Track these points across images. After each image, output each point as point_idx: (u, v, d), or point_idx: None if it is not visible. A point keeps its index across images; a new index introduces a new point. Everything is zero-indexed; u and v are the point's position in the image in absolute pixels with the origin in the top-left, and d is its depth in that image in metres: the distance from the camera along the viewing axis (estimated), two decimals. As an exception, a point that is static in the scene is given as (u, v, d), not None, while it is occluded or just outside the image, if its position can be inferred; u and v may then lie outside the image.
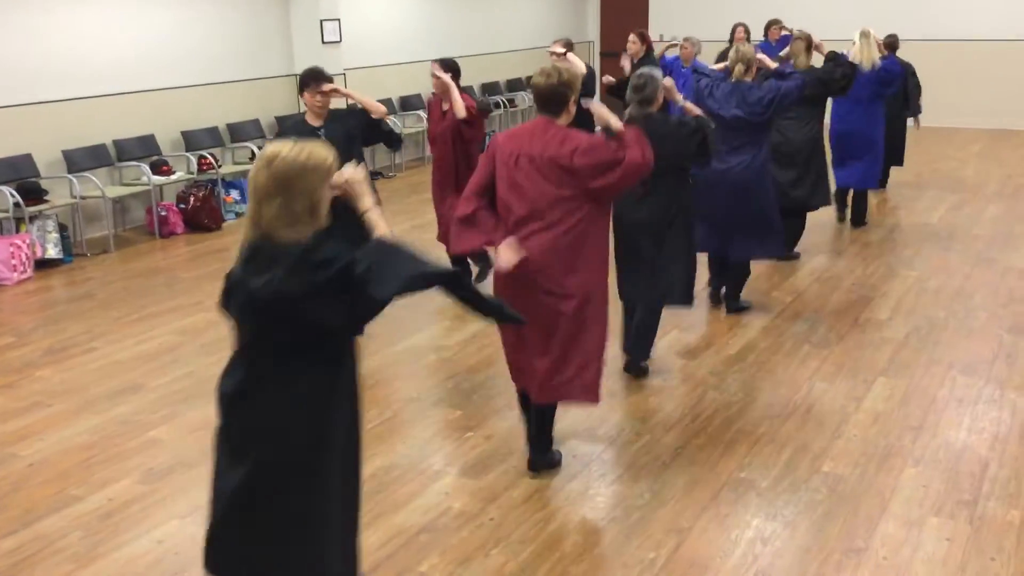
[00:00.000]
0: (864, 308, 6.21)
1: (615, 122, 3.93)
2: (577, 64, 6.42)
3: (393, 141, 5.98)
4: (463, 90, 6.28)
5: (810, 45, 6.98)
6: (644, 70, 4.93)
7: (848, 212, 8.30)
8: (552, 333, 3.84)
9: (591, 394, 3.98)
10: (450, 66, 6.26)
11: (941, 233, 8.04)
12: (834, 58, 6.88)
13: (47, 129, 8.08)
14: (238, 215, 9.25)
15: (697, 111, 5.05)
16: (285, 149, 2.46)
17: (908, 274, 6.92)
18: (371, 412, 4.84)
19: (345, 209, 2.61)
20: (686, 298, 5.16)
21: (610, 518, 3.82)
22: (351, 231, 2.56)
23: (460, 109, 6.11)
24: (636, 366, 5.17)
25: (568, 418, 4.67)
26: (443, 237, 6.48)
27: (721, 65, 6.24)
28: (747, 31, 9.63)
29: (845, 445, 4.37)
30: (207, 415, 4.85)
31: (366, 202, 2.60)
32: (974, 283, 6.67)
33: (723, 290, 6.20)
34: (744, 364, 5.34)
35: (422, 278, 2.43)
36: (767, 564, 3.49)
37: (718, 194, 5.67)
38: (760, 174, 5.79)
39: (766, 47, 9.59)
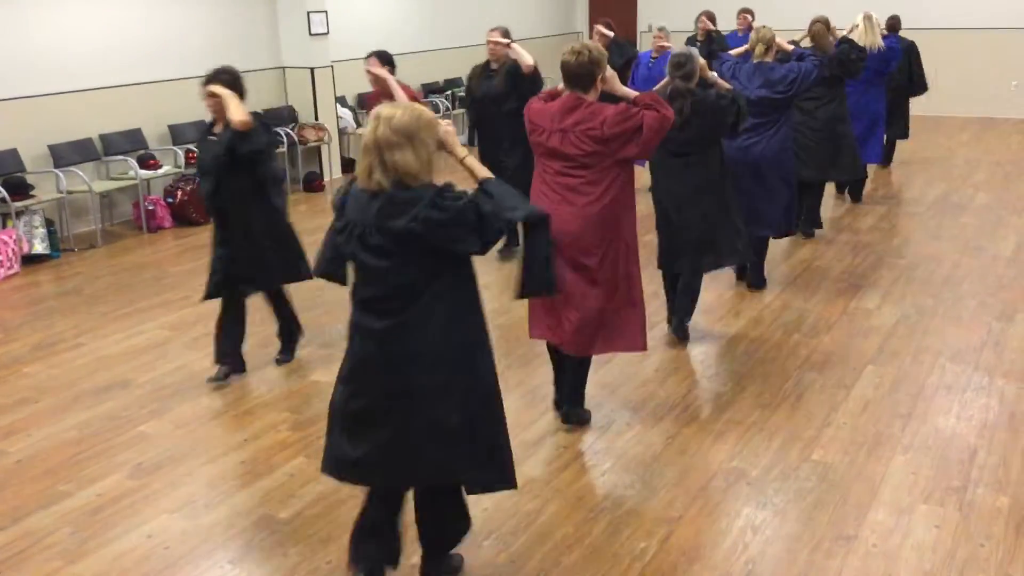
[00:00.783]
0: (853, 297, 6.22)
1: (628, 92, 4.15)
2: (523, 55, 6.52)
3: (258, 166, 5.04)
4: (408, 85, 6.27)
5: (829, 29, 7.22)
6: (683, 49, 5.25)
7: (847, 189, 8.70)
8: (586, 290, 4.12)
9: (635, 342, 4.32)
10: (386, 59, 6.16)
11: (930, 221, 8.06)
12: (848, 42, 7.11)
13: (32, 124, 8.02)
14: (226, 209, 9.20)
15: (727, 85, 5.26)
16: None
17: (897, 262, 6.94)
18: (361, 405, 4.83)
19: None
20: (744, 255, 5.60)
21: (601, 508, 3.82)
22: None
23: (403, 101, 6.03)
24: (681, 327, 5.47)
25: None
26: None
27: (742, 49, 6.44)
28: (712, 19, 9.69)
29: (835, 433, 4.38)
30: (196, 410, 4.85)
31: (461, 150, 2.99)
32: (963, 271, 6.69)
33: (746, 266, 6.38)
34: (734, 354, 5.35)
35: (533, 213, 2.95)
36: (757, 552, 3.50)
37: (739, 170, 5.84)
38: (781, 151, 6.02)
39: (732, 37, 9.70)
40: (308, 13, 10.13)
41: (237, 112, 4.80)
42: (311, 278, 4.72)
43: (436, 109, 11.84)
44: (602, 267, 4.13)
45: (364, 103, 6.56)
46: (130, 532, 3.76)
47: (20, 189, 7.68)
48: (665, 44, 8.01)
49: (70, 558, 3.60)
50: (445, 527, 3.28)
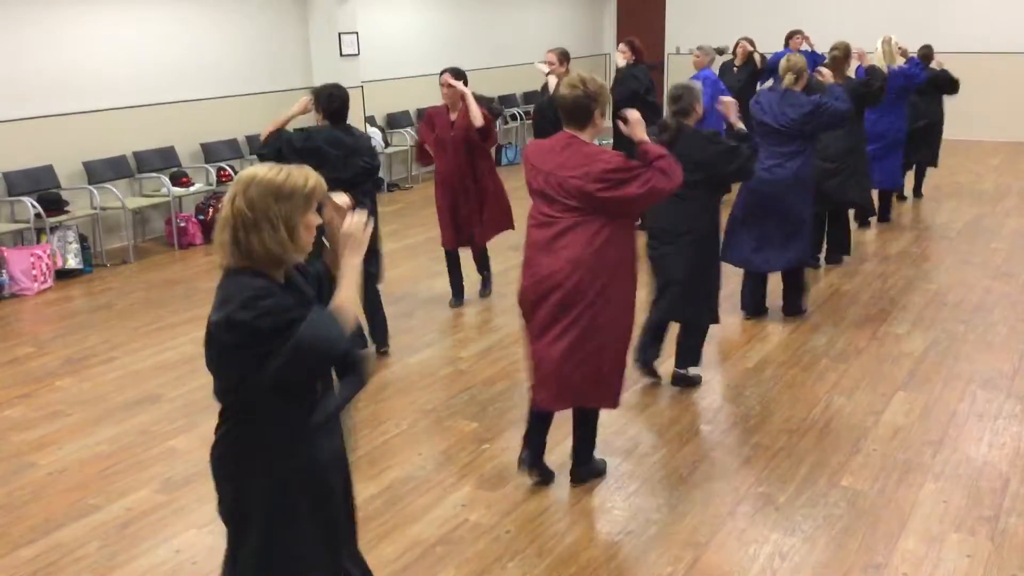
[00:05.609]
0: (883, 322, 6.17)
1: (644, 139, 3.85)
2: (473, 110, 6.15)
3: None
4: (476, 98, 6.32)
5: (848, 56, 7.17)
6: (680, 82, 4.97)
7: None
8: (574, 337, 3.76)
9: (610, 399, 3.96)
10: (460, 75, 6.31)
11: (960, 246, 7.98)
12: (873, 72, 7.13)
13: (68, 141, 8.16)
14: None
15: (740, 125, 4.98)
16: (264, 172, 2.32)
17: (927, 287, 6.88)
18: (386, 424, 4.85)
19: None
20: (711, 317, 5.10)
21: (627, 532, 3.81)
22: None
23: (478, 117, 6.14)
24: (678, 377, 5.16)
25: (585, 431, 4.67)
26: (449, 242, 6.55)
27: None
28: (752, 43, 9.70)
29: (864, 460, 4.34)
30: (225, 425, 4.89)
31: (351, 259, 2.41)
32: (994, 297, 6.62)
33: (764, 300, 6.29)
34: (762, 377, 5.32)
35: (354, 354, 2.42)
36: (785, 579, 3.47)
37: (760, 199, 5.82)
38: (801, 182, 5.88)
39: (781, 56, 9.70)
40: (339, 34, 10.26)
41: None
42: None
43: (515, 118, 11.89)
44: (587, 315, 3.73)
45: (426, 117, 6.56)
46: (159, 546, 3.78)
47: (55, 205, 7.81)
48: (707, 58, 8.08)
49: (99, 572, 3.63)
50: None
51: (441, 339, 6.07)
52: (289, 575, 2.51)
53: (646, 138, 3.88)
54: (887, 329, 6.04)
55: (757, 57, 9.65)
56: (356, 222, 2.41)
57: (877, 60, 7.52)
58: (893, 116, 8.17)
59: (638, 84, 8.14)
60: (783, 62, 6.07)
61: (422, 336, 6.12)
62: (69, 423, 4.97)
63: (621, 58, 8.43)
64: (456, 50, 12.44)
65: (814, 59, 9.87)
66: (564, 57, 7.18)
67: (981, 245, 7.99)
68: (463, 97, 6.19)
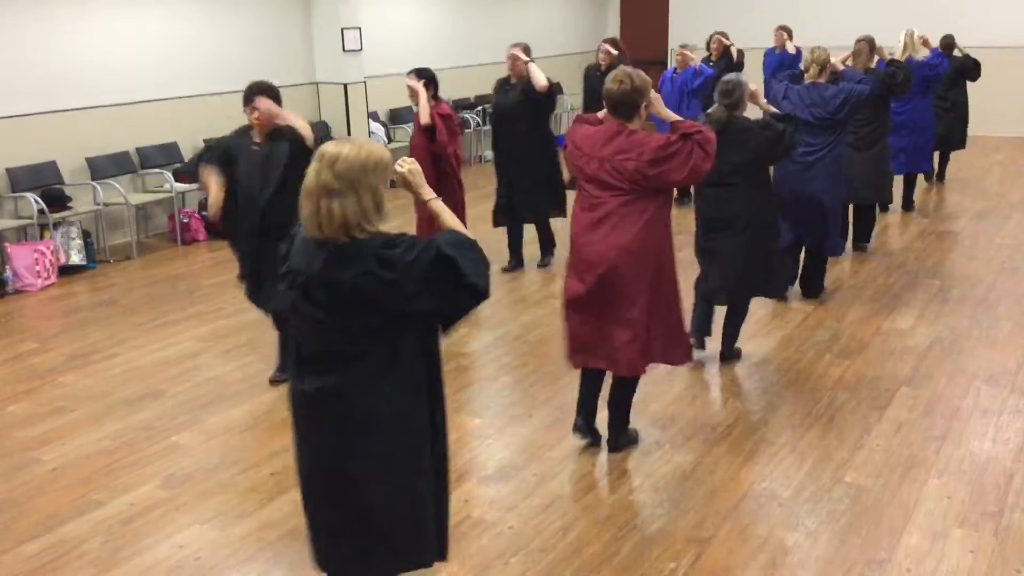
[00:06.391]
0: (887, 317, 6.16)
1: (671, 115, 4.14)
2: (538, 74, 6.58)
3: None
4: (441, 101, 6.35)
5: (873, 48, 7.33)
6: (731, 76, 5.21)
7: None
8: (627, 307, 4.07)
9: (687, 355, 4.35)
10: (423, 74, 6.24)
11: (964, 242, 7.97)
12: (895, 63, 7.24)
13: (71, 137, 8.16)
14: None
15: (774, 110, 5.34)
16: (346, 148, 2.57)
17: (931, 283, 6.86)
18: (391, 419, 4.84)
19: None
20: (780, 289, 5.70)
21: (630, 527, 3.80)
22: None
23: (424, 115, 6.06)
24: (725, 352, 5.48)
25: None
26: None
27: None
28: (726, 36, 9.72)
29: (868, 455, 4.33)
30: (228, 421, 4.89)
31: (426, 192, 2.76)
32: (998, 292, 6.60)
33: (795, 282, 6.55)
34: (765, 373, 5.31)
35: (483, 289, 2.62)
36: (788, 575, 3.46)
37: (790, 191, 6.00)
38: (833, 173, 6.10)
39: (769, 53, 9.76)
40: (342, 30, 10.25)
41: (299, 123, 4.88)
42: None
43: (467, 124, 11.93)
44: (641, 289, 4.06)
45: (398, 119, 6.58)
46: (162, 542, 3.79)
47: (58, 201, 7.81)
48: (689, 55, 8.20)
49: (103, 567, 3.63)
50: None
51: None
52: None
53: (675, 115, 4.15)
54: (891, 324, 6.03)
55: (734, 51, 9.66)
56: (400, 170, 2.73)
57: (899, 51, 7.62)
58: (919, 105, 8.48)
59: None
60: (807, 55, 6.31)
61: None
62: (72, 419, 4.98)
63: (605, 58, 8.45)
64: (459, 45, 12.43)
65: (783, 59, 9.92)
66: (527, 51, 7.13)
67: (986, 240, 7.97)
68: (416, 95, 6.11)
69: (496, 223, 7.24)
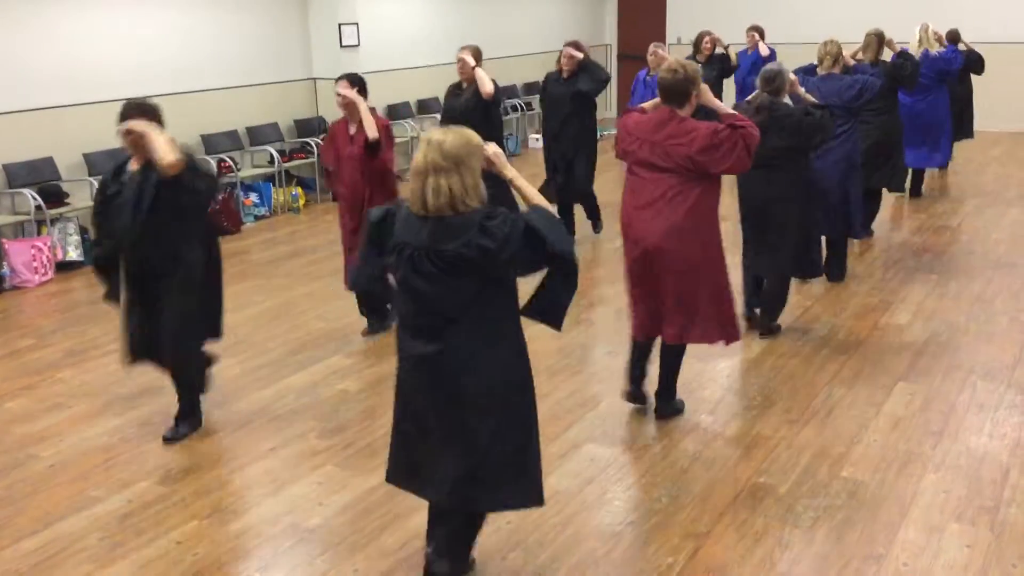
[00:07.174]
0: (883, 312, 6.17)
1: (720, 106, 4.41)
2: (484, 80, 6.60)
3: (199, 192, 4.39)
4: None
5: (882, 41, 7.48)
6: (773, 64, 5.52)
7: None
8: (680, 286, 4.38)
9: (730, 332, 4.55)
10: (356, 81, 5.67)
11: (961, 237, 7.98)
12: (904, 56, 7.41)
13: (68, 133, 8.14)
14: (257, 218, 9.30)
15: (812, 99, 5.61)
16: (450, 135, 2.94)
17: (928, 278, 6.87)
18: (387, 416, 4.82)
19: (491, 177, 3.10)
20: (814, 270, 5.99)
21: (627, 523, 3.81)
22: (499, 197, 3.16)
23: (371, 128, 5.50)
24: (766, 327, 5.78)
25: (584, 422, 4.67)
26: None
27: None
28: (711, 40, 9.66)
29: (865, 450, 4.34)
30: (225, 417, 4.89)
31: (510, 171, 3.11)
32: (995, 288, 6.61)
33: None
34: (762, 368, 5.32)
35: (570, 252, 2.99)
36: (785, 570, 3.47)
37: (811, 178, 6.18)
38: (852, 159, 6.41)
39: (741, 55, 9.76)
40: (339, 25, 10.23)
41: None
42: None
43: (516, 109, 11.89)
44: (690, 266, 4.36)
45: (329, 132, 5.97)
46: (159, 538, 3.79)
47: (55, 197, 7.80)
48: (663, 55, 8.18)
49: (100, 563, 3.64)
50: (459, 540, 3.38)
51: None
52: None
53: (724, 106, 4.43)
54: (888, 319, 6.04)
55: (733, 54, 9.64)
56: (487, 152, 3.05)
57: (913, 46, 7.69)
58: (934, 99, 8.67)
59: (602, 73, 7.61)
60: (820, 48, 6.51)
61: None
62: (70, 415, 4.98)
63: (568, 62, 7.58)
64: (456, 40, 12.30)
65: (756, 59, 9.90)
66: (478, 56, 7.07)
67: (982, 235, 7.98)
68: (355, 107, 5.57)
69: None
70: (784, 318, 6.06)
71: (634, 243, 4.42)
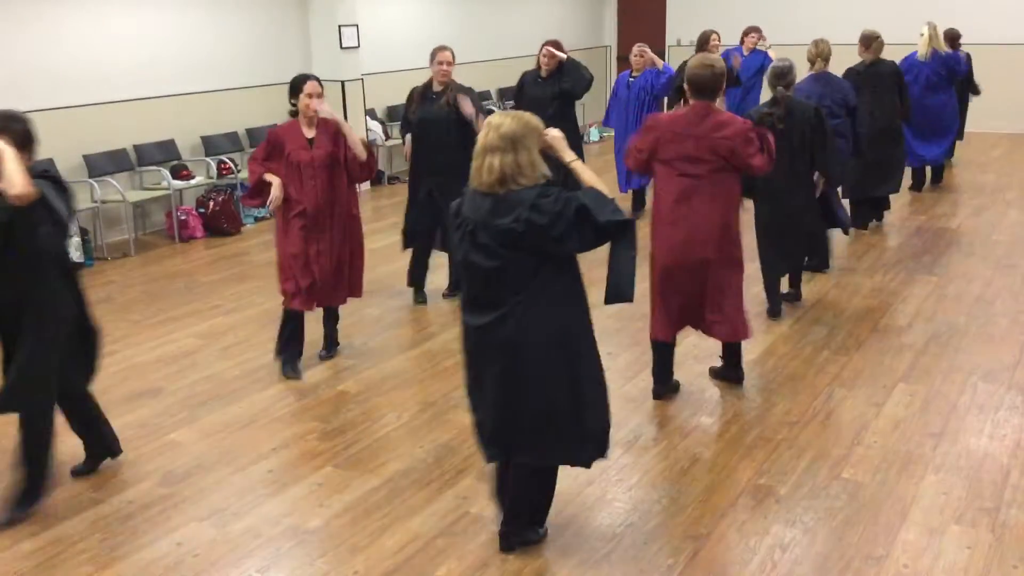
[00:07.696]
0: (883, 314, 6.17)
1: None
2: (465, 104, 6.02)
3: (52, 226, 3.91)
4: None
5: (872, 40, 7.69)
6: (784, 59, 5.76)
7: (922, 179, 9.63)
8: (708, 282, 4.63)
9: (744, 331, 4.83)
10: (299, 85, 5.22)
11: (961, 238, 7.98)
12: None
13: (68, 134, 8.14)
14: (257, 219, 9.30)
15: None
16: (508, 118, 3.21)
17: (928, 280, 6.87)
18: (387, 416, 4.85)
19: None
20: (824, 263, 6.65)
21: (628, 524, 3.81)
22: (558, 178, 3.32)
23: (361, 150, 5.22)
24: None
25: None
26: (302, 302, 5.26)
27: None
28: (718, 37, 9.61)
29: (865, 452, 4.34)
30: (226, 418, 4.90)
31: (568, 155, 3.33)
32: (995, 289, 6.62)
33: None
34: (763, 369, 5.32)
35: (625, 218, 3.21)
36: (786, 571, 3.47)
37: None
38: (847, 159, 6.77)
39: (738, 52, 9.75)
40: (339, 27, 10.23)
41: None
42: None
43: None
44: (719, 260, 4.59)
45: (266, 140, 5.47)
46: (160, 540, 3.79)
47: (55, 198, 7.79)
48: (650, 55, 8.22)
49: (101, 564, 3.63)
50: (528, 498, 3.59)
51: (441, 331, 6.07)
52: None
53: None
54: (888, 321, 6.04)
55: (774, 54, 9.67)
56: (554, 132, 3.30)
57: (922, 45, 7.75)
58: (944, 99, 8.83)
59: (585, 73, 7.46)
60: (811, 48, 6.68)
61: (422, 329, 6.12)
62: (70, 416, 4.96)
63: (548, 62, 7.48)
64: (456, 42, 12.29)
65: (746, 62, 9.90)
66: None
67: (982, 237, 7.98)
68: (339, 125, 5.20)
69: (405, 245, 6.51)
70: (784, 319, 6.07)
71: (683, 242, 4.55)
